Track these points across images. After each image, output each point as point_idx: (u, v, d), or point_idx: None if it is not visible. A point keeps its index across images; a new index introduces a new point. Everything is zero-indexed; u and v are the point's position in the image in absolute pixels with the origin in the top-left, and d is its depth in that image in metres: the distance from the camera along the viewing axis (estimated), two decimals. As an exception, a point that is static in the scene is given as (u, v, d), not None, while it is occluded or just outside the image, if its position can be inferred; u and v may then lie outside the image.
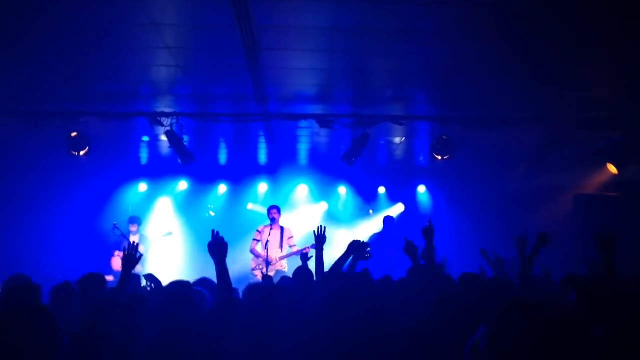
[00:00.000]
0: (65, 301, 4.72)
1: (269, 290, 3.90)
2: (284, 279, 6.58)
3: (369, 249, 5.98)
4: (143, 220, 11.81)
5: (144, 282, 6.13)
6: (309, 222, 12.29)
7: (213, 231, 4.41)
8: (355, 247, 5.66)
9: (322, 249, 5.64)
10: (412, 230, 10.72)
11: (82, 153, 8.74)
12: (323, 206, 13.12)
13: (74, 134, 8.67)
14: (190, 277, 5.51)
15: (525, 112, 8.53)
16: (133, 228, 11.23)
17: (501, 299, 3.23)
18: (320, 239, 5.75)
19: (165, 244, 12.04)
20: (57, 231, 12.09)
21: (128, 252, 4.62)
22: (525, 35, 6.03)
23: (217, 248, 4.32)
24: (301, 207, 13.04)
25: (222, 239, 4.37)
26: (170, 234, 11.84)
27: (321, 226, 5.83)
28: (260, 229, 10.75)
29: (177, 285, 4.28)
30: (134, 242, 4.59)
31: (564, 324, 2.68)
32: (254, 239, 10.71)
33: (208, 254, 4.35)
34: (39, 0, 5.35)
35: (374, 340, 2.51)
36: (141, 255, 4.65)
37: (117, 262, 10.98)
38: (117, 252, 11.07)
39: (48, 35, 6.03)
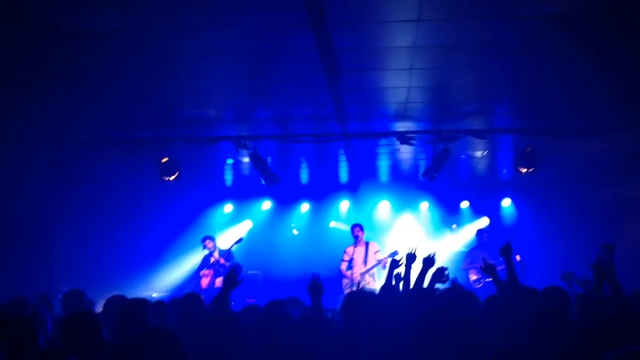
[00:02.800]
0: (161, 319, 4.96)
1: (354, 296, 3.99)
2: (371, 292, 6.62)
3: (447, 272, 5.94)
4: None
5: None
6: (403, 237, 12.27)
7: (313, 275, 4.78)
8: (428, 262, 5.66)
9: (411, 267, 5.68)
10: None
11: (172, 178, 9.09)
12: (409, 218, 13.07)
13: (164, 160, 9.02)
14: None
15: (613, 120, 8.24)
16: (210, 244, 11.26)
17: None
18: (410, 257, 5.78)
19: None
20: (145, 253, 12.59)
21: (230, 273, 4.84)
22: (609, 44, 5.87)
23: (315, 290, 4.68)
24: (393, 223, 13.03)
25: (320, 284, 4.73)
26: (241, 240, 11.46)
27: (414, 247, 5.88)
28: (347, 249, 10.82)
29: (273, 304, 4.43)
30: (236, 265, 4.85)
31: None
32: (342, 260, 10.81)
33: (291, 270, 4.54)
34: (131, 36, 5.69)
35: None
36: (241, 281, 4.87)
37: (204, 281, 11.22)
38: (202, 272, 11.29)
39: (140, 65, 6.39)
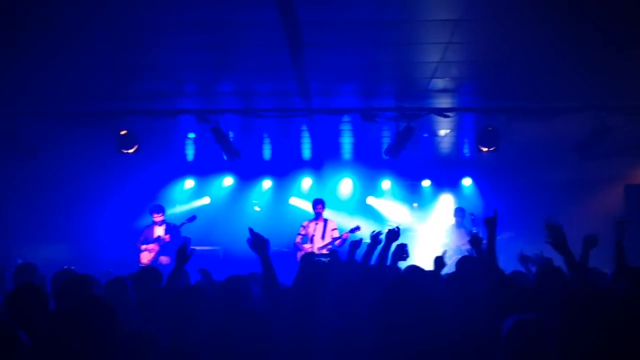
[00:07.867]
0: (118, 295, 4.85)
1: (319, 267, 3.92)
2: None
3: (406, 248, 5.91)
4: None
5: None
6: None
7: (250, 229, 4.43)
8: (392, 235, 5.54)
9: (390, 246, 5.48)
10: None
11: (131, 151, 8.91)
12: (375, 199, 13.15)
13: (123, 132, 8.83)
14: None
15: (574, 101, 8.33)
16: (157, 218, 10.70)
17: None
18: (392, 234, 5.59)
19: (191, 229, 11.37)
20: (105, 228, 12.37)
21: (181, 248, 4.62)
22: (573, 23, 5.89)
23: (258, 243, 4.35)
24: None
25: (259, 234, 4.38)
26: (194, 218, 11.04)
27: (398, 227, 5.70)
28: (304, 224, 10.88)
29: (234, 279, 4.36)
30: (186, 240, 4.63)
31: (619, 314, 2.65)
32: (298, 234, 10.84)
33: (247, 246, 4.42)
34: (87, 5, 5.48)
35: (425, 333, 2.49)
36: (192, 252, 4.60)
37: (145, 256, 10.63)
38: (143, 246, 10.78)
39: (97, 35, 6.17)
